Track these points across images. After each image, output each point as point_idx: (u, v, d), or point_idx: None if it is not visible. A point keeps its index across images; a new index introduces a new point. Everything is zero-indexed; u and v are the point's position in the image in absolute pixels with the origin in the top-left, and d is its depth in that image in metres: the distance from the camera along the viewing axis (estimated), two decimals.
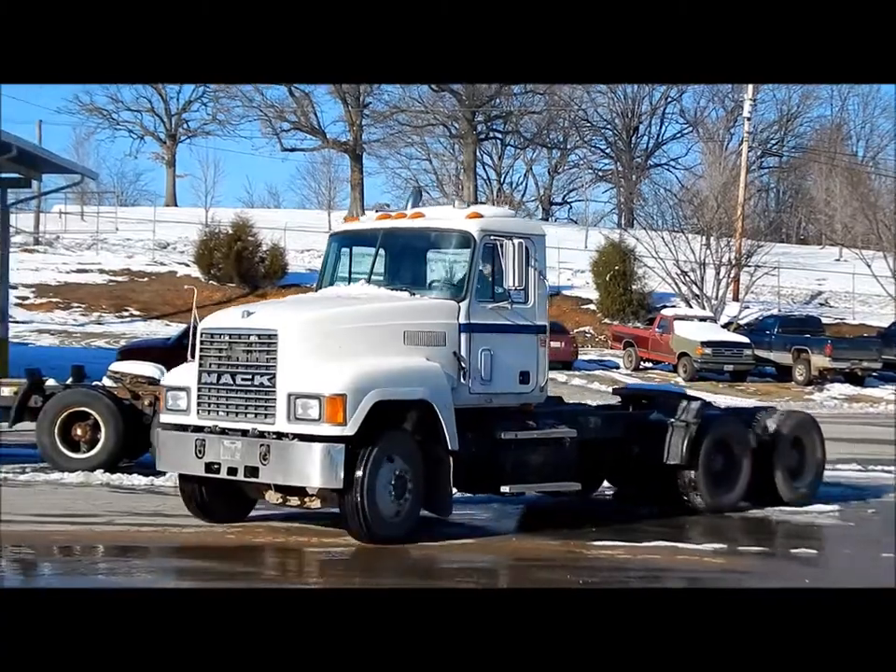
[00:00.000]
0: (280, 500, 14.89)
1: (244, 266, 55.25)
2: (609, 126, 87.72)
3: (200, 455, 14.63)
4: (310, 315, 15.00)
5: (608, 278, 55.72)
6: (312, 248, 61.18)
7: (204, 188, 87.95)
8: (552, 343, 48.89)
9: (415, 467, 14.42)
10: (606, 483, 19.12)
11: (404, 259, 16.22)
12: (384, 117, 77.74)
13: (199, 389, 14.78)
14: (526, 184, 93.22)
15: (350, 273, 16.34)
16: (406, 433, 14.57)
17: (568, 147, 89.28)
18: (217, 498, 15.63)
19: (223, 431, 14.55)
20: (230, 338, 14.62)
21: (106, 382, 21.45)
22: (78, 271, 57.65)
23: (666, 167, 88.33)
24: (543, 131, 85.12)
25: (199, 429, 14.79)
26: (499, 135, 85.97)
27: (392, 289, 15.59)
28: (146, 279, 57.20)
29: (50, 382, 20.92)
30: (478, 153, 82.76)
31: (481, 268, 15.25)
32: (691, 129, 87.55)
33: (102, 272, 57.84)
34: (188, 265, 58.16)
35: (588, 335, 55.00)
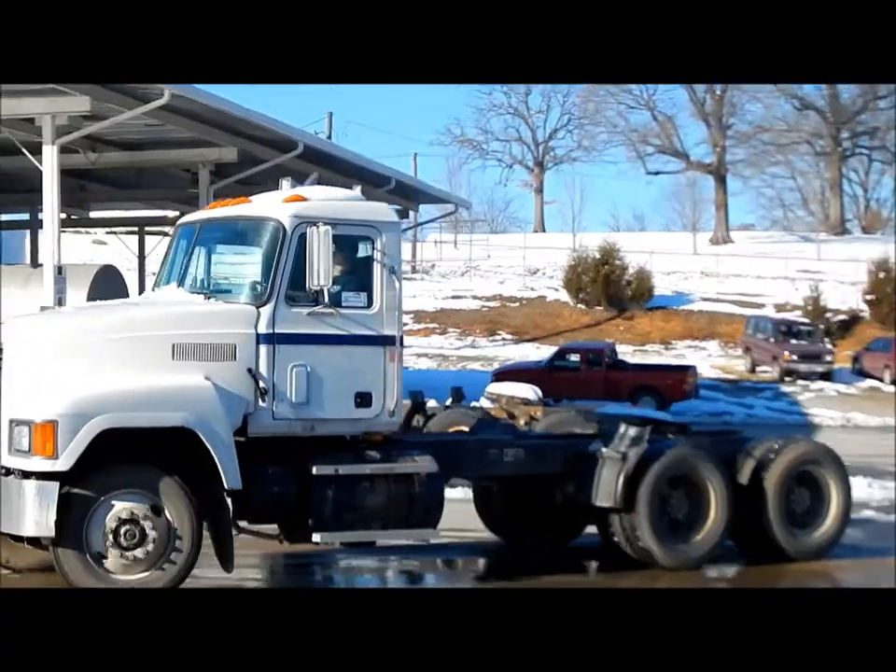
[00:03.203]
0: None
1: (611, 289, 55.33)
2: None
3: None
4: (44, 324, 12.44)
5: None
6: (678, 271, 60.93)
7: (571, 213, 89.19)
8: None
9: (172, 510, 11.53)
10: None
11: (211, 254, 13.29)
12: (747, 137, 76.80)
13: None
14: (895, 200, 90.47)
15: (182, 271, 13.24)
16: (154, 469, 11.57)
17: None
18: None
19: None
20: None
21: (484, 403, 22.01)
22: (453, 297, 58.97)
23: None
24: None
25: None
26: (865, 151, 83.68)
27: (194, 292, 12.78)
28: (516, 304, 57.94)
29: (431, 403, 21.60)
30: (843, 170, 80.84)
31: (295, 264, 12.17)
32: None
33: (475, 297, 58.94)
34: (556, 290, 58.59)
35: None
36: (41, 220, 21.26)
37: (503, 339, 53.41)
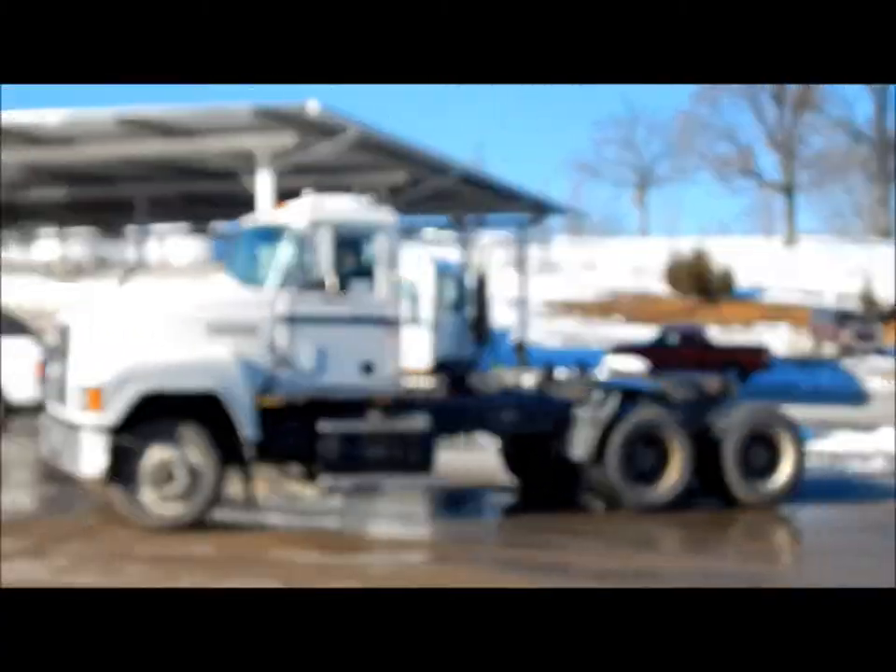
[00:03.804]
0: None
1: (701, 283, 54.50)
2: None
3: (48, 441, 12.25)
4: (101, 309, 12.08)
5: None
6: (756, 268, 59.77)
7: (670, 222, 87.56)
8: None
9: (197, 456, 11.32)
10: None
11: (252, 252, 12.87)
12: (811, 162, 74.58)
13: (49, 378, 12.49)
14: None
15: (233, 262, 13.15)
16: (183, 423, 11.33)
17: None
18: None
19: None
20: (56, 331, 12.23)
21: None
22: (577, 287, 58.14)
23: None
24: None
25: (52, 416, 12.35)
26: None
27: (238, 280, 12.46)
28: (627, 294, 57.08)
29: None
30: (889, 188, 78.03)
31: (311, 258, 11.76)
32: None
33: (594, 289, 58.13)
34: (658, 283, 57.64)
35: None
36: None
37: (618, 321, 52.47)
